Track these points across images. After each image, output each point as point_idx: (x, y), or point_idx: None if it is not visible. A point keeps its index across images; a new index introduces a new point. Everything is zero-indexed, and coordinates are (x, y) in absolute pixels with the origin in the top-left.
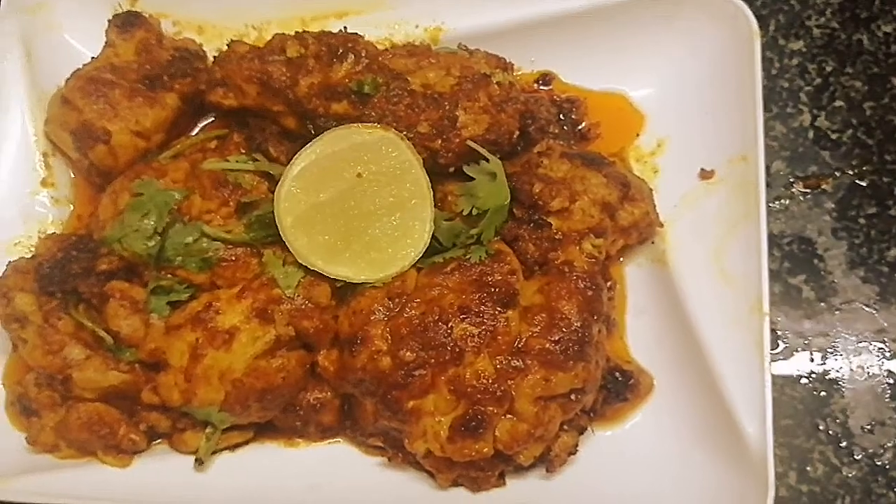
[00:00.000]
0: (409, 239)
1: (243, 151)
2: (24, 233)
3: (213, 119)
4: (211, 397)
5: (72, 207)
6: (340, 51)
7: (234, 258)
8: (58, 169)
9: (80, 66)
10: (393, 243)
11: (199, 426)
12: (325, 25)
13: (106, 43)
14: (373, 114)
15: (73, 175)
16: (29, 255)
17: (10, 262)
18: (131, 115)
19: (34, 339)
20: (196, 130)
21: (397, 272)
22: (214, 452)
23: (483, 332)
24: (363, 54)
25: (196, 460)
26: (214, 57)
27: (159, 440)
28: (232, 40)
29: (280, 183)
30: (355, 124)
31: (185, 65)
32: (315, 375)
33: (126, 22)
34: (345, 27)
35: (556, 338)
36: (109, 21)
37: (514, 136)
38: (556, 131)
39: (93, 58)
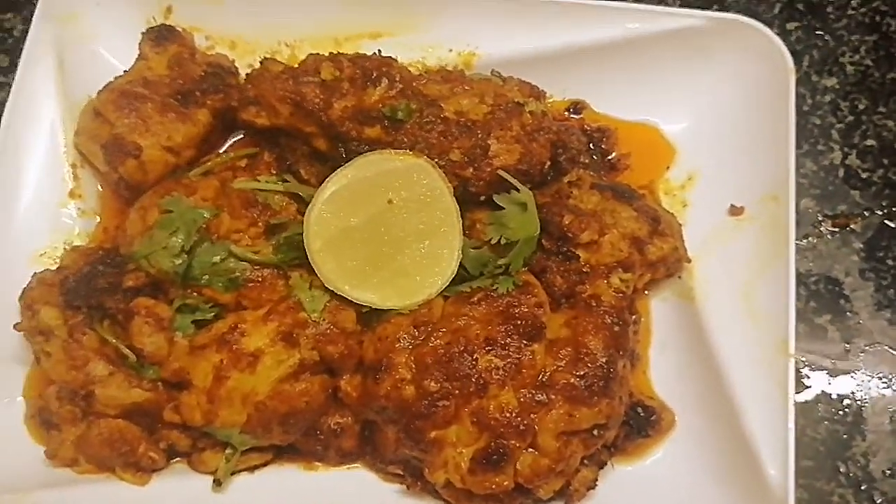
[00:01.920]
0: (436, 267)
1: (273, 172)
2: (50, 244)
3: (242, 136)
4: (233, 419)
5: (98, 219)
6: (375, 75)
7: (260, 279)
8: (85, 180)
9: (113, 79)
10: (421, 271)
11: (218, 446)
12: (359, 46)
13: (139, 56)
14: (405, 140)
15: (100, 187)
16: (54, 267)
17: (35, 273)
18: (163, 130)
19: (58, 353)
20: (226, 146)
21: (424, 300)
22: (233, 473)
23: (508, 365)
24: (397, 79)
25: (214, 481)
26: (247, 74)
27: (178, 459)
28: (265, 58)
29: (311, 206)
30: (387, 150)
31: (218, 80)
32: (337, 400)
33: (160, 36)
34: (379, 50)
35: (582, 373)
36: (143, 34)
37: (546, 167)
38: (587, 161)
39: (125, 71)
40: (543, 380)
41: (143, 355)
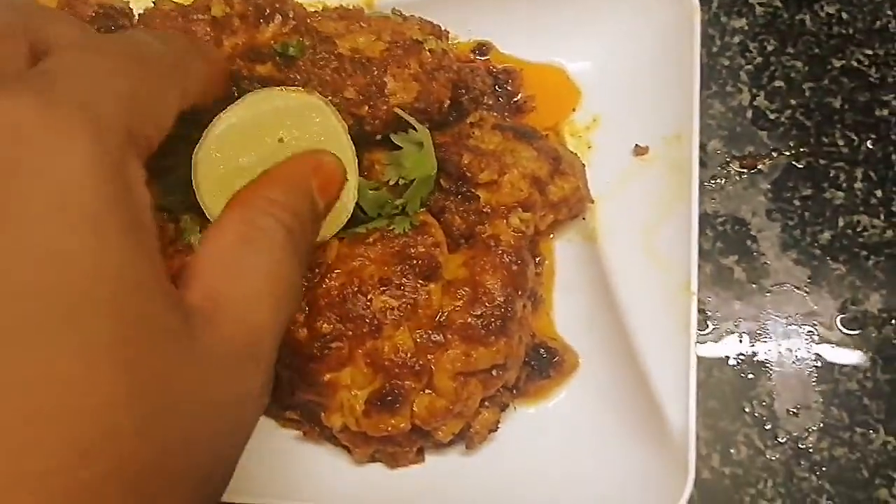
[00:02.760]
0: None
1: None
2: None
3: None
4: None
5: None
6: (267, 11)
7: None
8: None
9: None
10: None
11: None
12: None
13: None
14: (298, 77)
15: None
16: None
17: None
18: None
19: None
20: None
21: (318, 241)
22: None
23: (403, 305)
24: (290, 15)
25: None
26: (139, 14)
27: None
28: None
29: (198, 146)
30: (278, 87)
31: (110, 21)
32: None
33: None
34: None
35: (479, 312)
36: None
37: (445, 106)
38: (491, 102)
39: None
40: (440, 320)
41: None
